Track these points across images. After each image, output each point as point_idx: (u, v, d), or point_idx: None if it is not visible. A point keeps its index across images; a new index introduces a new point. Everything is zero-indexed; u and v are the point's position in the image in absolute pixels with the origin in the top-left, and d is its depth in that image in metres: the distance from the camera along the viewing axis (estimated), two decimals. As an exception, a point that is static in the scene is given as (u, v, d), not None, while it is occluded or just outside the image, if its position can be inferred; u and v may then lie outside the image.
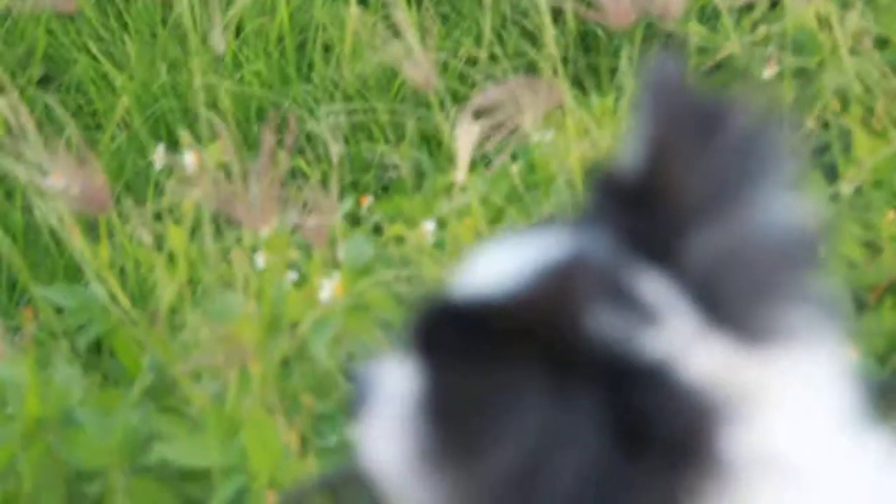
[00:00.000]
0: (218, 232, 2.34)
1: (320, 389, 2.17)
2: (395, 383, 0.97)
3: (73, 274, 2.42)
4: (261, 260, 2.25)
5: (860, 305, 2.31)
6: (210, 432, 2.09)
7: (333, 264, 2.32)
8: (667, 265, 0.86)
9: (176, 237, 2.24)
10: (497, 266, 0.87)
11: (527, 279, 0.84)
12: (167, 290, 2.27)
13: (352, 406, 0.99)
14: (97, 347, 2.39)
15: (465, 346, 0.83)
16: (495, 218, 2.41)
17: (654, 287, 0.85)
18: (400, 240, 2.37)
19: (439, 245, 2.34)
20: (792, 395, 0.86)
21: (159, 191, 2.44)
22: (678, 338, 0.83)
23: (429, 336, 0.86)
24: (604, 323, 0.82)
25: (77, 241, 2.30)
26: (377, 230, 2.48)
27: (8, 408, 2.17)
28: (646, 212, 0.87)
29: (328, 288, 2.14)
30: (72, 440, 2.11)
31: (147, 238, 2.32)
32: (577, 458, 0.79)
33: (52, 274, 2.47)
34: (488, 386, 0.82)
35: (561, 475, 0.79)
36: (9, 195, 2.46)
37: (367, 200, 2.56)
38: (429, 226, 2.40)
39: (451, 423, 0.85)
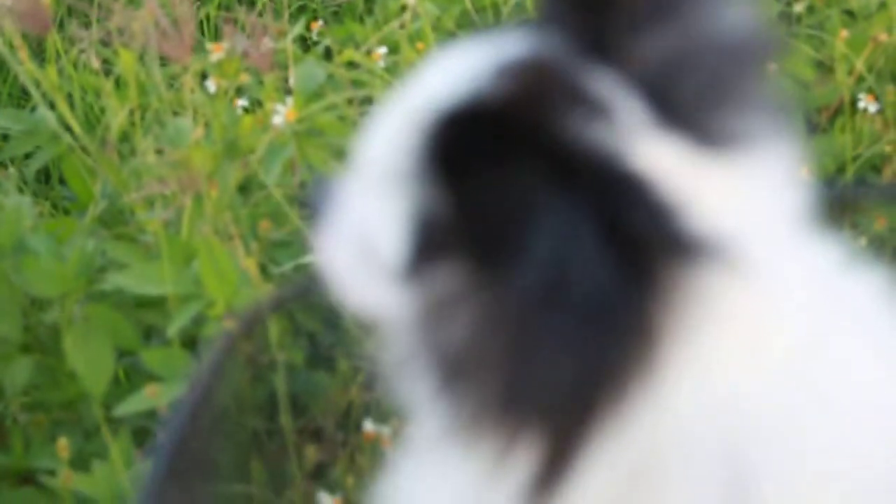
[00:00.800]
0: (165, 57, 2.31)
1: (275, 217, 2.17)
2: (355, 197, 0.98)
3: (19, 100, 2.39)
4: (210, 85, 2.22)
5: (811, 126, 2.33)
6: (165, 259, 2.09)
7: (285, 90, 2.30)
8: (617, 65, 0.87)
9: (125, 61, 2.20)
10: (458, 69, 0.88)
11: (493, 78, 0.85)
12: (117, 115, 2.24)
13: (312, 220, 1.01)
14: (46, 175, 2.37)
15: (468, 154, 0.83)
16: (447, 42, 2.40)
17: (605, 85, 0.86)
18: (351, 65, 2.34)
19: (391, 69, 2.33)
20: (745, 195, 0.88)
21: (104, 14, 2.39)
22: (630, 133, 0.85)
23: (435, 145, 0.85)
24: (569, 121, 0.83)
25: (24, 63, 2.26)
26: (328, 56, 2.45)
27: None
28: (597, 13, 0.88)
29: (280, 113, 2.13)
30: (26, 268, 2.10)
31: (94, 62, 2.28)
32: (588, 267, 0.80)
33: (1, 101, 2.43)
34: (490, 196, 0.82)
35: (576, 287, 0.80)
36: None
37: (318, 25, 2.53)
38: (381, 50, 2.38)
39: (465, 230, 0.84)
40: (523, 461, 0.84)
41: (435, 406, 0.87)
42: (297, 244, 2.18)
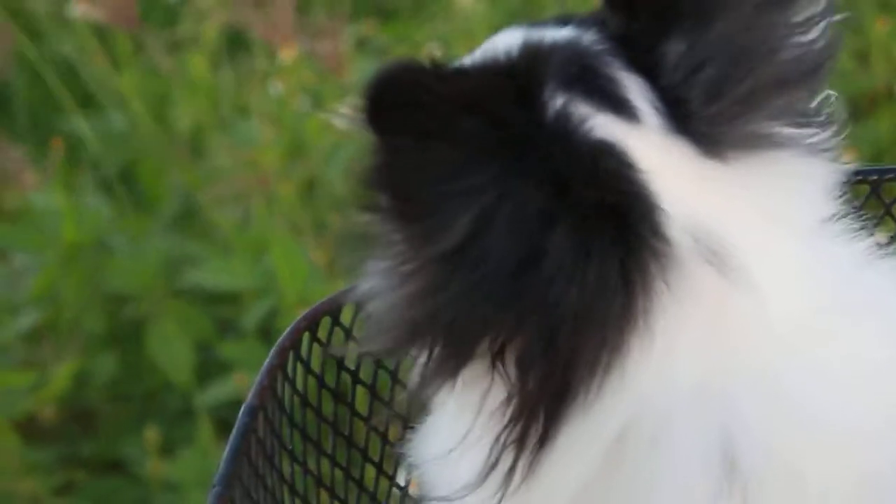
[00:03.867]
0: (233, 61, 2.42)
1: (343, 211, 2.27)
2: None
3: (94, 105, 2.49)
4: (276, 87, 2.32)
5: (850, 115, 2.39)
6: (238, 255, 2.20)
7: (343, 89, 2.39)
8: (647, 69, 0.91)
9: (196, 64, 2.31)
10: (483, 49, 0.92)
11: (500, 53, 0.88)
12: (188, 117, 2.35)
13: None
14: (121, 176, 2.47)
15: (417, 114, 0.84)
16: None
17: (629, 85, 0.90)
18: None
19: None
20: (747, 203, 0.91)
21: (172, 19, 2.49)
22: (641, 133, 0.89)
23: (381, 100, 0.85)
24: (563, 102, 0.87)
25: (99, 68, 2.38)
26: (383, 54, 2.54)
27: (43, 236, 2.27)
28: (631, 14, 0.91)
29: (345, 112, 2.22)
30: (107, 266, 2.21)
31: (166, 66, 2.38)
32: (518, 232, 0.84)
33: (71, 106, 2.53)
34: (435, 151, 0.85)
35: (503, 246, 0.84)
36: (27, 29, 2.51)
37: (371, 26, 2.62)
38: (432, 46, 2.46)
39: (399, 189, 0.86)
40: (497, 419, 0.87)
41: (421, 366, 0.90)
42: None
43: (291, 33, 2.22)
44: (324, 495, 1.17)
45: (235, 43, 2.46)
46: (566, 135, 0.87)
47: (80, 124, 2.45)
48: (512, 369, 0.87)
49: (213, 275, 2.19)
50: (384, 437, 1.22)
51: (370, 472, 1.22)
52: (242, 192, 2.27)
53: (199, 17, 2.30)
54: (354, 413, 1.20)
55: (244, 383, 2.05)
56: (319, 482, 1.16)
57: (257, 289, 2.17)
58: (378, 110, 0.85)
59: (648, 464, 0.89)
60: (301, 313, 1.18)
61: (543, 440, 0.88)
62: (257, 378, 1.11)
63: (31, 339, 2.25)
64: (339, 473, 1.19)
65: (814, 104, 0.95)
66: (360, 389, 1.20)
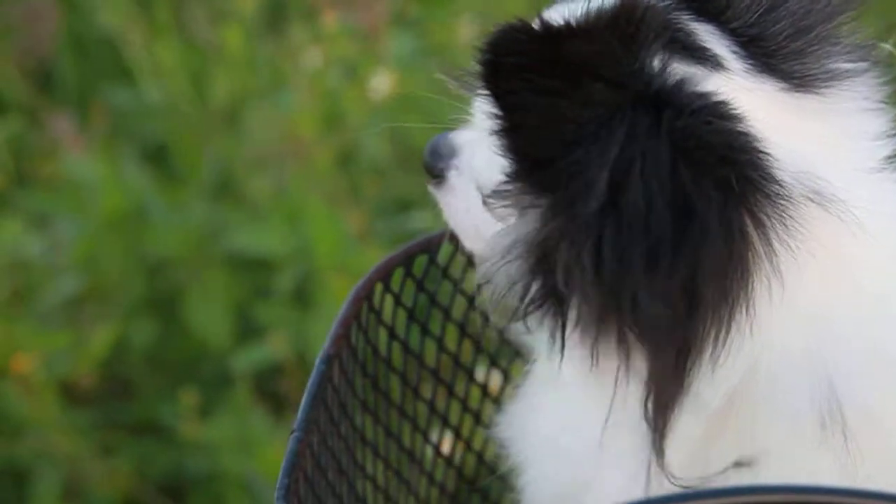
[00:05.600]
0: (272, 31, 2.45)
1: (377, 181, 2.30)
2: (470, 140, 1.06)
3: (134, 77, 2.53)
4: (314, 57, 2.35)
5: None
6: (273, 222, 2.23)
7: (381, 60, 2.41)
8: (715, 14, 0.93)
9: (234, 35, 2.34)
10: (564, 10, 0.94)
11: (593, 14, 0.90)
12: (225, 87, 2.38)
13: (431, 168, 1.09)
14: (159, 146, 2.51)
15: (538, 72, 0.85)
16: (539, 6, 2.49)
17: (705, 33, 0.92)
18: (445, 36, 2.45)
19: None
20: (834, 136, 0.93)
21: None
22: (729, 79, 0.91)
23: (502, 61, 0.86)
24: (659, 59, 0.88)
25: (137, 41, 2.41)
26: (419, 27, 2.56)
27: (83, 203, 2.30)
28: None
29: (381, 83, 2.25)
30: (148, 233, 2.25)
31: (206, 37, 2.41)
32: (654, 186, 0.85)
33: (111, 78, 2.57)
34: (559, 114, 0.86)
35: (642, 203, 0.84)
36: (69, 3, 2.55)
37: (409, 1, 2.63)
38: (469, 19, 2.48)
39: (530, 153, 0.87)
40: (635, 381, 0.88)
41: (547, 336, 0.91)
42: (397, 207, 2.30)
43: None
44: (392, 446, 1.19)
45: (274, 13, 2.49)
46: (674, 92, 0.88)
47: (121, 96, 2.48)
48: (642, 334, 0.88)
49: (248, 240, 2.23)
50: (450, 390, 1.24)
51: (435, 422, 1.24)
52: (278, 160, 2.30)
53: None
54: (422, 365, 1.22)
55: (280, 346, 2.08)
56: (388, 432, 1.19)
57: (291, 254, 2.20)
58: (498, 71, 0.87)
59: (764, 403, 0.91)
60: (372, 266, 1.19)
61: (677, 402, 0.89)
62: (332, 327, 1.12)
63: (71, 305, 2.28)
64: (406, 426, 1.21)
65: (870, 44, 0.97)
66: (428, 343, 1.22)
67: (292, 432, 1.03)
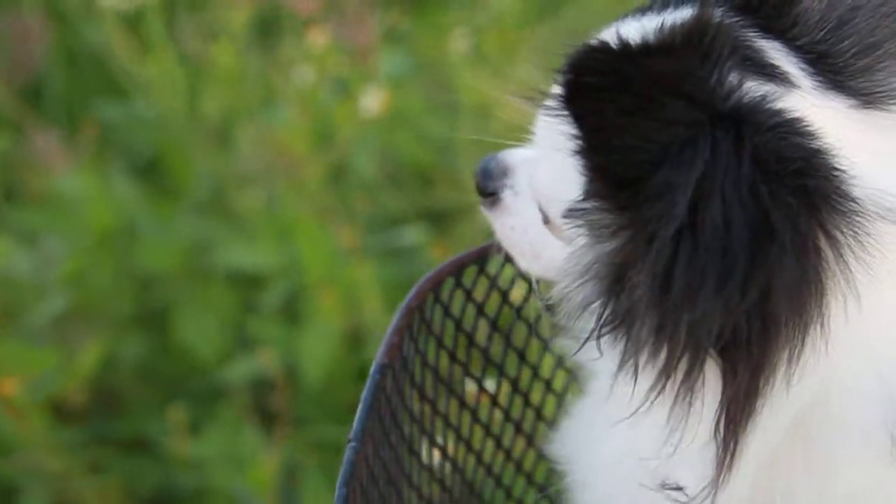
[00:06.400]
0: (263, 47, 2.44)
1: (368, 197, 2.29)
2: (525, 159, 1.05)
3: (124, 92, 2.52)
4: (304, 73, 2.35)
5: None
6: (263, 237, 2.23)
7: (372, 77, 2.41)
8: (778, 28, 0.93)
9: (224, 51, 2.34)
10: (636, 27, 0.94)
11: (667, 31, 0.88)
12: (216, 103, 2.38)
13: (483, 189, 1.08)
14: (150, 161, 2.50)
15: (619, 90, 0.84)
16: (528, 24, 2.49)
17: (772, 51, 0.92)
18: (436, 52, 2.45)
19: (475, 56, 2.43)
20: None
21: (202, 5, 2.52)
22: (790, 89, 0.90)
23: (583, 81, 0.85)
24: (734, 76, 0.87)
25: (127, 57, 2.40)
26: (410, 43, 2.56)
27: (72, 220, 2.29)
28: None
29: (372, 100, 2.25)
30: (137, 248, 2.24)
31: (196, 53, 2.41)
32: (734, 205, 0.83)
33: (101, 94, 2.56)
34: (643, 133, 0.84)
35: (721, 222, 0.83)
36: (60, 18, 2.54)
37: (401, 16, 2.64)
38: (461, 36, 2.48)
39: (614, 173, 0.86)
40: (708, 402, 0.87)
41: (614, 357, 0.90)
42: (387, 224, 2.30)
43: (321, 13, 2.25)
44: (436, 455, 1.19)
45: (264, 29, 2.49)
46: (752, 109, 0.87)
47: (111, 111, 2.48)
48: (716, 354, 0.86)
49: (239, 255, 2.22)
50: (494, 401, 1.24)
51: (477, 433, 1.23)
52: (269, 176, 2.29)
53: (229, 4, 2.33)
54: (468, 373, 1.21)
55: (270, 361, 2.07)
56: (433, 441, 1.18)
57: (282, 269, 2.19)
58: (580, 92, 0.86)
59: (835, 423, 0.90)
60: (425, 275, 1.18)
61: (751, 421, 0.88)
62: (385, 337, 1.12)
63: (60, 322, 2.27)
64: (451, 435, 1.21)
65: None
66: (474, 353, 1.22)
67: (349, 442, 1.03)
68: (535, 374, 1.27)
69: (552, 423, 1.22)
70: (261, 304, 2.24)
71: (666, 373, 0.88)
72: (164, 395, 2.20)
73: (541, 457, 1.25)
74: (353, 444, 1.03)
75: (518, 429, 1.25)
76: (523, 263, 1.09)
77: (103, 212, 2.26)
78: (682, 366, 0.88)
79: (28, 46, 2.51)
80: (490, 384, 1.24)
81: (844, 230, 0.87)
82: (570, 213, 0.91)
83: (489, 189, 1.10)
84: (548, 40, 2.39)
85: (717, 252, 0.84)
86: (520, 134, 1.07)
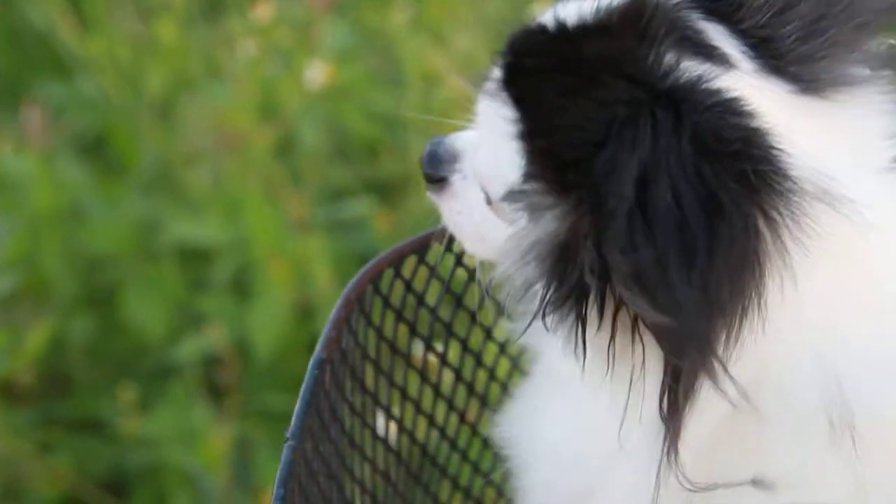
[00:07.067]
0: (206, 22, 2.43)
1: (315, 170, 2.29)
2: (470, 143, 1.05)
3: (63, 72, 2.50)
4: (248, 48, 2.34)
5: None
6: (211, 211, 2.22)
7: (316, 50, 2.40)
8: (727, 14, 0.93)
9: (166, 29, 2.32)
10: (574, 9, 0.93)
11: (604, 12, 0.89)
12: (159, 80, 2.36)
13: (431, 175, 1.08)
14: (94, 141, 2.48)
15: (558, 72, 0.84)
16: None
17: (714, 32, 0.92)
18: (379, 24, 2.45)
19: (418, 27, 2.43)
20: (843, 137, 0.92)
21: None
22: (738, 77, 0.91)
23: (522, 64, 0.85)
24: (671, 56, 0.88)
25: (69, 35, 2.39)
26: (354, 16, 2.55)
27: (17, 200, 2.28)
28: None
29: (317, 72, 2.24)
30: (84, 228, 2.23)
31: (138, 30, 2.40)
32: (682, 182, 0.84)
33: (43, 73, 2.54)
34: (584, 114, 0.84)
35: (671, 199, 0.83)
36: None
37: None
38: (402, 7, 2.47)
39: (556, 155, 0.86)
40: (650, 385, 0.87)
41: (558, 337, 0.90)
42: (335, 198, 2.30)
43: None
44: (379, 448, 1.18)
45: (207, 5, 2.48)
46: (689, 88, 0.87)
47: (54, 90, 2.46)
48: (661, 333, 0.86)
49: (186, 231, 2.21)
50: (436, 390, 1.23)
51: (421, 423, 1.23)
52: (215, 151, 2.28)
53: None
54: (410, 364, 1.21)
55: (219, 336, 2.07)
56: (375, 435, 1.17)
57: (230, 244, 2.19)
58: (519, 74, 0.85)
59: (773, 403, 0.90)
60: (363, 267, 1.18)
61: (691, 400, 0.88)
62: (324, 331, 1.12)
63: (6, 303, 2.26)
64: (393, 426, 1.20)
65: (884, 48, 0.97)
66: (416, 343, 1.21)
67: (286, 441, 1.02)
68: (479, 362, 1.26)
69: (496, 409, 1.21)
70: (210, 280, 2.23)
71: (609, 352, 0.89)
72: (114, 374, 2.20)
73: (486, 446, 1.24)
74: (290, 442, 1.02)
75: (462, 418, 1.25)
76: (468, 246, 1.09)
77: (49, 192, 2.25)
78: (626, 345, 0.88)
79: (-33, 26, 2.49)
80: (433, 373, 1.23)
81: (782, 210, 0.87)
82: (511, 196, 0.92)
83: (437, 175, 1.09)
84: (489, 9, 2.39)
85: (671, 229, 0.85)
86: (464, 110, 1.08)
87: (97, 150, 2.50)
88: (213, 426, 2.04)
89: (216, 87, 2.33)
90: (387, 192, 2.33)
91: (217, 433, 2.01)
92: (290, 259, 2.14)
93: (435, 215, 1.12)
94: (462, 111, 1.09)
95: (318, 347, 1.09)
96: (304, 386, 1.06)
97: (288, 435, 1.02)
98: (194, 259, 2.27)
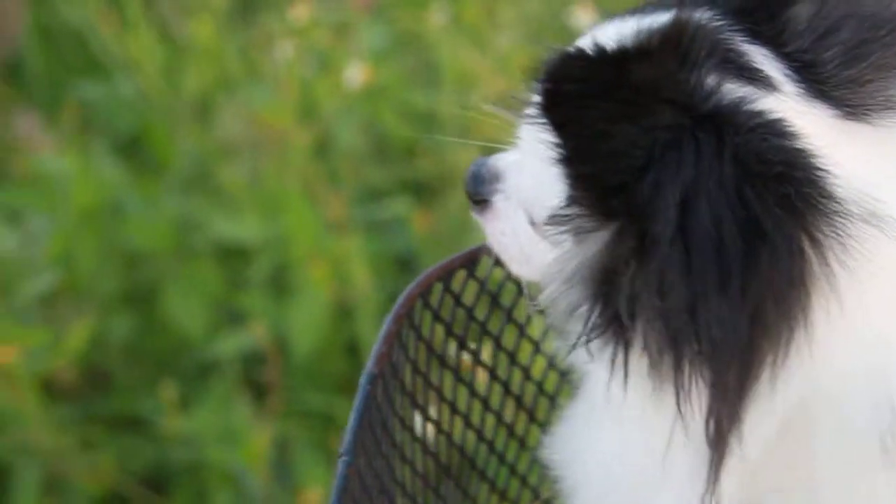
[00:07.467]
0: (244, 22, 2.45)
1: (352, 170, 2.30)
2: (513, 164, 1.05)
3: (100, 72, 2.52)
4: (285, 49, 2.35)
5: None
6: (249, 210, 2.24)
7: (353, 51, 2.42)
8: (771, 37, 0.93)
9: (204, 28, 2.34)
10: (612, 32, 0.93)
11: (644, 35, 0.88)
12: (197, 79, 2.38)
13: (473, 194, 1.08)
14: (131, 140, 2.50)
15: (599, 97, 0.84)
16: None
17: (757, 55, 0.92)
18: (416, 25, 2.46)
19: (456, 28, 2.44)
20: (891, 163, 0.91)
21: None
22: (781, 100, 0.90)
23: (562, 89, 0.85)
24: (713, 78, 0.88)
25: (107, 35, 2.41)
26: (390, 17, 2.57)
27: (56, 199, 2.30)
28: None
29: (355, 73, 2.25)
30: (124, 226, 2.25)
31: (178, 29, 2.41)
32: (722, 206, 0.83)
33: (80, 72, 2.56)
34: (626, 139, 0.84)
35: (711, 224, 0.83)
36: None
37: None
38: (439, 9, 2.48)
39: (598, 180, 0.86)
40: (696, 407, 0.87)
41: (604, 360, 0.90)
42: (371, 196, 2.31)
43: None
44: (430, 462, 1.18)
45: (245, 5, 2.50)
46: (731, 110, 0.87)
47: (92, 90, 2.48)
48: (706, 357, 0.86)
49: (225, 229, 2.23)
50: (485, 403, 1.24)
51: (471, 437, 1.23)
52: (253, 150, 2.30)
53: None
54: (459, 378, 1.20)
55: (260, 333, 2.09)
56: (426, 449, 1.17)
57: (269, 243, 2.21)
58: (559, 100, 0.85)
59: (823, 425, 0.90)
60: (415, 280, 1.17)
61: (738, 424, 0.88)
62: (375, 345, 1.11)
63: (47, 301, 2.28)
64: (442, 439, 1.21)
65: None
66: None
67: (340, 456, 1.02)
68: (527, 375, 1.26)
69: (544, 427, 1.22)
70: (248, 278, 2.25)
71: (655, 375, 0.89)
72: (154, 372, 2.21)
73: (533, 460, 1.25)
74: (345, 457, 1.02)
75: (511, 432, 1.26)
76: (514, 267, 1.09)
77: (87, 190, 2.27)
78: (671, 368, 0.88)
79: (5, 26, 2.51)
80: (482, 386, 1.24)
81: (826, 231, 0.87)
82: (554, 219, 0.92)
83: (480, 195, 1.09)
84: (528, 9, 2.40)
85: (711, 254, 0.85)
86: (502, 137, 1.07)
87: (134, 148, 2.52)
88: (254, 424, 2.06)
89: (254, 87, 2.35)
90: (424, 192, 2.35)
91: (258, 431, 2.03)
92: (328, 259, 2.16)
93: (478, 230, 1.13)
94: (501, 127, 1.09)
95: (369, 362, 1.10)
96: (356, 401, 1.07)
97: (342, 450, 1.03)
98: (233, 257, 2.29)
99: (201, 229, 2.26)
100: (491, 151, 1.09)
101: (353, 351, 2.20)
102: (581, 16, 2.37)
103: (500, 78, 2.25)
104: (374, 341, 1.15)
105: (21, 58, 2.61)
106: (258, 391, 2.17)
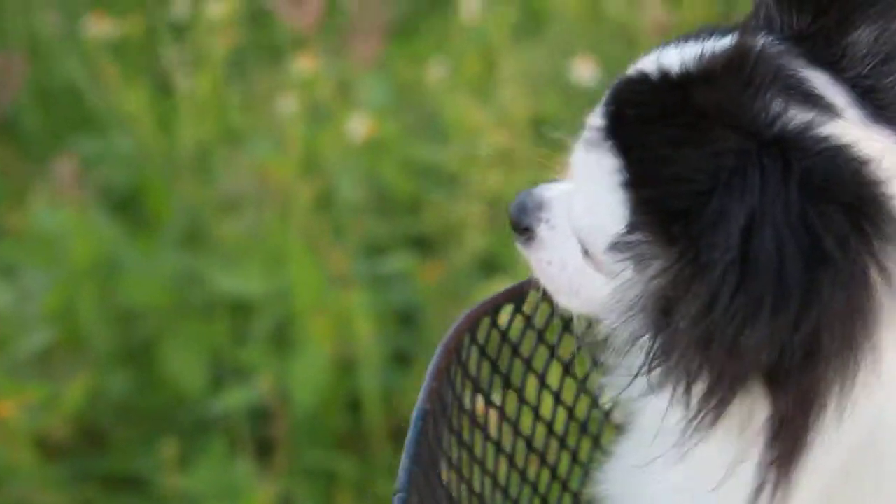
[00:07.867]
0: (243, 77, 2.43)
1: (355, 224, 2.28)
2: (562, 193, 1.04)
3: (95, 127, 2.50)
4: (286, 102, 2.34)
5: None
6: (250, 263, 2.21)
7: (354, 105, 2.41)
8: (831, 63, 0.92)
9: (203, 83, 2.32)
10: (675, 56, 0.92)
11: (707, 59, 0.88)
12: (196, 133, 2.36)
13: (518, 224, 1.07)
14: (126, 195, 2.48)
15: (664, 121, 0.84)
16: (506, 51, 2.49)
17: (818, 81, 0.91)
18: (416, 79, 2.45)
19: (457, 82, 2.43)
20: None
21: (181, 36, 2.51)
22: (845, 125, 0.89)
23: (627, 113, 0.85)
24: (777, 103, 0.87)
25: (104, 90, 2.39)
26: (391, 70, 2.56)
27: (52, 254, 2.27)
28: (809, 12, 0.93)
29: (357, 126, 2.24)
30: (120, 282, 2.22)
31: (177, 83, 2.40)
32: (785, 232, 0.82)
33: (75, 128, 2.54)
34: (691, 163, 0.84)
35: (773, 248, 0.82)
36: (34, 53, 2.52)
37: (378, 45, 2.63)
38: (440, 64, 2.48)
39: (662, 205, 0.85)
40: (759, 439, 0.85)
41: (664, 391, 0.89)
42: (373, 249, 2.29)
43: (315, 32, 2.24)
44: (475, 501, 1.15)
45: (244, 59, 2.48)
46: (798, 136, 0.86)
47: (88, 146, 2.45)
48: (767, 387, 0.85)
49: (227, 283, 2.20)
50: (528, 444, 1.21)
51: (514, 478, 1.20)
52: (255, 203, 2.28)
53: (210, 32, 2.32)
54: (504, 417, 1.18)
55: (265, 388, 2.06)
56: (471, 490, 1.15)
57: (271, 296, 2.18)
58: (625, 123, 0.86)
59: (889, 463, 0.88)
60: (462, 313, 1.16)
61: (802, 456, 0.87)
62: (425, 381, 1.09)
63: (44, 357, 2.24)
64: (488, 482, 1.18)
65: None
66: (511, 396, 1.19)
67: (396, 493, 1.01)
68: (571, 415, 1.24)
69: (588, 467, 1.20)
70: (249, 332, 2.22)
71: (718, 406, 0.87)
72: (151, 429, 2.17)
73: (576, 501, 1.23)
74: (400, 494, 1.01)
75: (554, 474, 1.23)
76: (562, 299, 1.07)
77: (84, 246, 2.24)
78: (734, 398, 0.86)
79: (3, 81, 2.48)
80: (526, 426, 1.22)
81: (893, 259, 0.85)
82: (615, 247, 0.90)
83: (524, 224, 1.08)
84: (526, 62, 2.40)
85: (771, 281, 0.83)
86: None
87: (129, 204, 2.49)
88: (256, 481, 2.01)
89: (256, 140, 2.33)
90: (428, 245, 2.33)
91: (262, 488, 1.99)
92: (331, 313, 2.12)
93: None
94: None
95: (420, 398, 1.07)
96: (409, 437, 1.04)
97: (398, 487, 1.00)
98: (232, 312, 2.26)
99: (199, 284, 2.23)
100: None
101: (355, 406, 2.16)
102: (582, 69, 2.37)
103: (502, 130, 2.24)
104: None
105: (17, 114, 2.59)
106: (259, 447, 2.12)
